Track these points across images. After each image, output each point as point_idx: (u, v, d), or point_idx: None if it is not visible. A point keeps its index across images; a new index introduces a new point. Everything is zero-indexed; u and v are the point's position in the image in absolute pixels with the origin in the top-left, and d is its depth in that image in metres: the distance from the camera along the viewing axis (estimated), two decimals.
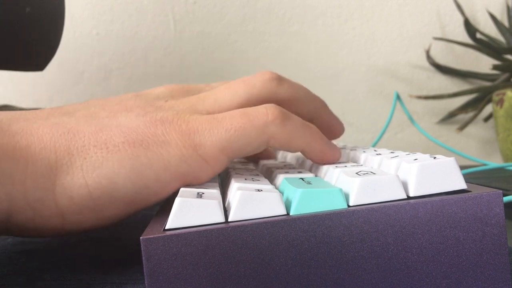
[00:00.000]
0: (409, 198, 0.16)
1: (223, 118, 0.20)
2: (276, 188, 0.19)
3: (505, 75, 0.62)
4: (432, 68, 0.67)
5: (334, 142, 0.37)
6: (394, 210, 0.15)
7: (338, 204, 0.15)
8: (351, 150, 0.25)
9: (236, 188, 0.17)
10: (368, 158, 0.21)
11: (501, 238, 0.15)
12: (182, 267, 0.14)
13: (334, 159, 0.22)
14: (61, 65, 0.61)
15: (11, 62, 0.36)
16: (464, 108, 0.65)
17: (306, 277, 0.15)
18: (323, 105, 0.26)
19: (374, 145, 0.48)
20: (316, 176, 0.21)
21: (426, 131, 0.59)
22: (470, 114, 0.64)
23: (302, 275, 0.15)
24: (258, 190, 0.16)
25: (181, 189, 0.18)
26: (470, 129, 0.67)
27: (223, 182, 0.24)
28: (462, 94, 0.63)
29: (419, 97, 0.65)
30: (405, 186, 0.16)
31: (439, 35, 0.67)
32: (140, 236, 0.14)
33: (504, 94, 0.49)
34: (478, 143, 0.69)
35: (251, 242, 0.15)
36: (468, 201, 0.15)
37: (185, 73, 0.63)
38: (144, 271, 0.14)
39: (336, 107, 0.66)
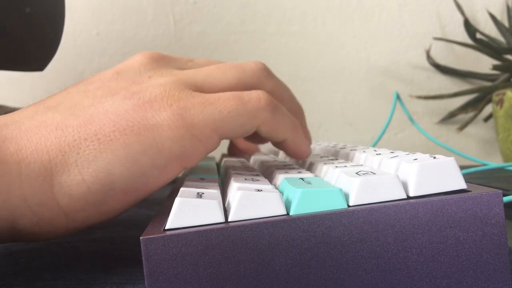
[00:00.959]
0: (409, 198, 0.16)
1: (217, 99, 0.20)
2: (276, 188, 0.19)
3: (505, 75, 0.62)
4: (432, 68, 0.67)
5: (334, 142, 0.37)
6: (394, 210, 0.15)
7: (338, 204, 0.15)
8: (351, 150, 0.25)
9: (236, 188, 0.17)
10: (368, 158, 0.21)
11: (501, 238, 0.15)
12: (182, 267, 0.14)
13: (307, 155, 0.24)
14: (61, 65, 0.61)
15: (11, 62, 0.36)
16: (464, 108, 0.65)
17: (306, 277, 0.15)
18: (301, 112, 0.27)
19: (374, 145, 0.48)
20: (316, 176, 0.21)
21: (426, 131, 0.59)
22: (470, 114, 0.64)
23: (302, 275, 0.15)
24: (258, 190, 0.16)
25: (181, 189, 0.18)
26: (470, 129, 0.67)
27: (223, 182, 0.24)
28: (462, 94, 0.63)
29: (419, 97, 0.65)
30: (405, 186, 0.16)
31: (439, 35, 0.67)
32: (140, 236, 0.14)
33: (504, 94, 0.49)
34: (478, 143, 0.69)
35: (251, 242, 0.15)
36: (468, 201, 0.15)
37: None
38: (144, 271, 0.14)
39: (336, 107, 0.67)
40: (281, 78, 0.25)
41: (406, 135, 0.67)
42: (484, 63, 0.66)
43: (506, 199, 0.23)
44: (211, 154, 0.44)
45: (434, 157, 0.17)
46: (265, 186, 0.17)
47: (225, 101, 0.20)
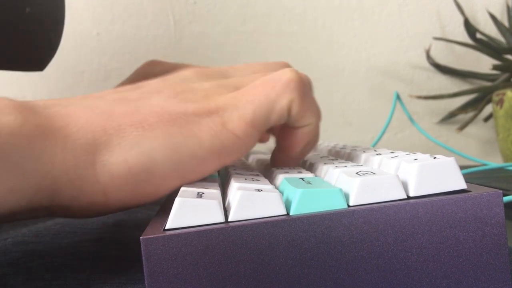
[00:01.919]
0: (409, 198, 0.16)
1: (246, 90, 0.21)
2: (276, 188, 0.19)
3: (505, 75, 0.62)
4: (432, 68, 0.67)
5: (334, 142, 0.37)
6: (394, 210, 0.15)
7: (338, 204, 0.15)
8: (351, 150, 0.25)
9: (236, 188, 0.17)
10: (368, 158, 0.21)
11: (501, 238, 0.15)
12: (182, 267, 0.14)
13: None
14: (61, 65, 0.61)
15: (11, 62, 0.36)
16: (464, 108, 0.65)
17: (306, 277, 0.15)
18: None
19: (374, 145, 0.48)
20: (316, 176, 0.21)
21: (426, 131, 0.59)
22: (470, 114, 0.64)
23: (302, 275, 0.15)
24: (258, 190, 0.16)
25: (181, 188, 0.18)
26: (470, 129, 0.67)
27: (223, 182, 0.24)
28: (462, 94, 0.63)
29: (419, 97, 0.65)
30: (405, 186, 0.16)
31: (439, 35, 0.67)
32: (140, 236, 0.14)
33: (504, 94, 0.49)
34: (478, 143, 0.69)
35: (251, 242, 0.15)
36: (468, 201, 0.15)
37: None
38: (144, 271, 0.14)
39: (336, 107, 0.67)
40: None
41: (406, 135, 0.67)
42: (484, 63, 0.66)
43: (506, 199, 0.23)
44: None
45: (434, 157, 0.17)
46: (265, 186, 0.17)
47: (253, 89, 0.21)
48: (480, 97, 0.63)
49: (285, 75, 0.21)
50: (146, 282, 0.14)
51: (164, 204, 0.20)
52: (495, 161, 0.64)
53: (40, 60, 0.38)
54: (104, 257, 0.22)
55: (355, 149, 0.25)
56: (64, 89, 0.62)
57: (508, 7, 0.66)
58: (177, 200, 0.15)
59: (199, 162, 0.19)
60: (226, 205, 0.18)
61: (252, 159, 0.33)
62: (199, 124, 0.19)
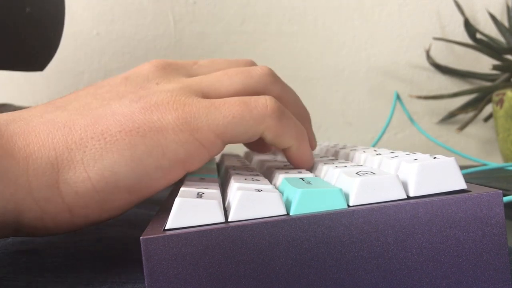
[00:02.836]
0: (409, 198, 0.16)
1: (222, 104, 0.20)
2: (276, 188, 0.19)
3: (505, 75, 0.62)
4: (432, 68, 0.67)
5: (334, 142, 0.37)
6: (394, 210, 0.15)
7: (338, 204, 0.15)
8: (351, 150, 0.25)
9: (236, 188, 0.17)
10: (368, 158, 0.21)
11: (501, 238, 0.15)
12: (182, 267, 0.14)
13: (310, 164, 0.23)
14: (61, 65, 0.61)
15: (11, 62, 0.36)
16: (464, 108, 0.65)
17: (306, 277, 0.15)
18: (307, 116, 0.26)
19: (374, 145, 0.48)
20: (316, 176, 0.21)
21: (426, 131, 0.59)
22: (470, 114, 0.64)
23: (302, 275, 0.15)
24: (258, 190, 0.16)
25: (181, 188, 0.18)
26: (470, 129, 0.67)
27: (223, 182, 0.24)
28: (462, 94, 0.63)
29: (419, 97, 0.65)
30: (405, 186, 0.16)
31: (439, 35, 0.67)
32: (140, 236, 0.14)
33: (504, 94, 0.49)
34: (478, 143, 0.69)
35: (251, 242, 0.15)
36: (468, 201, 0.15)
37: None
38: (144, 271, 0.14)
39: (336, 107, 0.67)
40: (281, 78, 0.25)
41: (406, 135, 0.67)
42: (484, 63, 0.66)
43: (506, 199, 0.23)
44: None
45: (434, 157, 0.17)
46: (265, 186, 0.17)
47: (230, 106, 0.20)
48: (480, 97, 0.63)
49: (265, 101, 0.20)
50: (146, 282, 0.14)
51: (164, 204, 0.20)
52: (495, 161, 0.64)
53: (40, 60, 0.38)
54: (104, 257, 0.22)
55: (355, 149, 0.25)
56: (64, 89, 0.62)
57: (508, 7, 0.66)
58: (177, 200, 0.15)
59: (164, 172, 0.19)
60: (226, 205, 0.18)
61: (253, 160, 0.33)
62: (164, 132, 0.19)
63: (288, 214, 0.15)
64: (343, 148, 0.28)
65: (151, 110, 0.19)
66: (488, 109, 0.63)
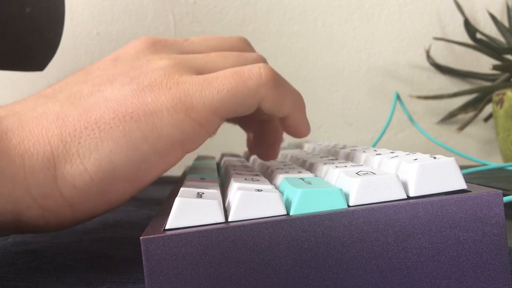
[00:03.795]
0: (409, 198, 0.16)
1: (215, 78, 0.19)
2: (276, 188, 0.19)
3: (505, 75, 0.62)
4: (432, 68, 0.67)
5: (334, 142, 0.37)
6: (394, 210, 0.15)
7: (338, 204, 0.15)
8: (351, 150, 0.25)
9: (236, 188, 0.17)
10: (368, 158, 0.21)
11: (501, 238, 0.15)
12: (182, 267, 0.14)
13: (307, 133, 0.23)
14: (61, 65, 0.61)
15: (11, 62, 0.36)
16: (464, 108, 0.65)
17: (306, 277, 0.15)
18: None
19: (374, 145, 0.48)
20: (316, 176, 0.21)
21: (426, 131, 0.59)
22: (470, 114, 0.64)
23: (302, 275, 0.15)
24: (258, 190, 0.16)
25: (181, 188, 0.18)
26: (470, 129, 0.67)
27: (223, 182, 0.24)
28: (462, 94, 0.63)
29: (419, 97, 0.65)
30: (405, 186, 0.16)
31: (439, 35, 0.67)
32: (140, 236, 0.14)
33: (504, 94, 0.49)
34: (478, 143, 0.69)
35: (251, 242, 0.15)
36: (468, 201, 0.15)
37: None
38: (144, 271, 0.14)
39: (336, 107, 0.67)
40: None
41: (406, 135, 0.67)
42: (484, 63, 0.66)
43: (506, 199, 0.23)
44: (211, 154, 0.44)
45: (434, 157, 0.17)
46: (265, 186, 0.17)
47: (224, 79, 0.19)
48: (480, 97, 0.63)
49: (259, 70, 0.20)
50: (146, 282, 0.14)
51: (164, 204, 0.20)
52: (495, 161, 0.64)
53: (40, 60, 0.38)
54: (104, 257, 0.22)
55: (355, 149, 0.25)
56: None
57: (508, 7, 0.66)
58: (177, 200, 0.15)
59: (161, 156, 0.18)
60: (226, 205, 0.18)
61: (253, 160, 0.33)
62: (159, 114, 0.18)
63: (288, 214, 0.15)
64: (343, 148, 0.28)
65: (144, 91, 0.19)
66: (488, 109, 0.63)
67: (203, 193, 0.17)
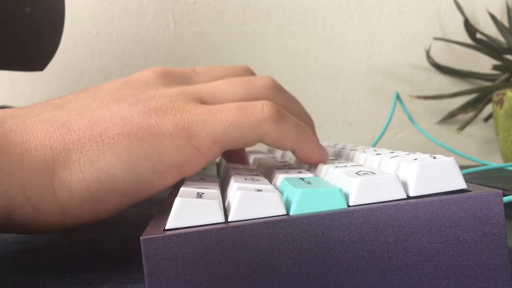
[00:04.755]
0: (409, 198, 0.16)
1: (219, 110, 0.20)
2: (276, 188, 0.19)
3: (505, 75, 0.62)
4: (432, 68, 0.67)
5: (334, 142, 0.37)
6: (394, 210, 0.15)
7: (338, 204, 0.15)
8: (351, 150, 0.25)
9: (236, 188, 0.17)
10: (368, 158, 0.21)
11: (501, 238, 0.15)
12: (182, 267, 0.14)
13: (322, 160, 0.22)
14: (61, 65, 0.61)
15: (11, 62, 0.36)
16: (464, 108, 0.65)
17: (306, 277, 0.15)
18: (311, 126, 0.26)
19: (374, 145, 0.48)
20: (316, 176, 0.21)
21: (426, 131, 0.59)
22: (470, 114, 0.64)
23: (302, 275, 0.15)
24: (258, 190, 0.16)
25: (181, 188, 0.18)
26: (470, 129, 0.67)
27: (223, 182, 0.24)
28: (462, 94, 0.63)
29: (419, 97, 0.65)
30: (405, 186, 0.16)
31: (439, 35, 0.67)
32: (140, 236, 0.14)
33: (504, 94, 0.49)
34: (478, 143, 0.69)
35: (251, 242, 0.15)
36: (468, 201, 0.15)
37: None
38: (144, 271, 0.14)
39: (336, 107, 0.67)
40: (281, 78, 0.25)
41: (406, 135, 0.67)
42: (484, 63, 0.66)
43: (506, 199, 0.23)
44: None
45: (434, 157, 0.17)
46: (265, 186, 0.17)
47: (227, 112, 0.20)
48: (480, 97, 0.63)
49: (261, 106, 0.20)
50: (146, 282, 0.14)
51: (164, 204, 0.20)
52: (495, 161, 0.64)
53: (40, 60, 0.38)
54: (105, 257, 0.22)
55: (355, 149, 0.25)
56: (64, 89, 0.62)
57: (508, 7, 0.66)
58: (177, 200, 0.15)
59: (159, 176, 0.19)
60: (226, 205, 0.18)
61: (253, 160, 0.33)
62: (162, 137, 0.19)
63: (288, 214, 0.15)
64: (343, 148, 0.28)
65: (149, 114, 0.19)
66: (488, 109, 0.63)
67: (203, 193, 0.17)
